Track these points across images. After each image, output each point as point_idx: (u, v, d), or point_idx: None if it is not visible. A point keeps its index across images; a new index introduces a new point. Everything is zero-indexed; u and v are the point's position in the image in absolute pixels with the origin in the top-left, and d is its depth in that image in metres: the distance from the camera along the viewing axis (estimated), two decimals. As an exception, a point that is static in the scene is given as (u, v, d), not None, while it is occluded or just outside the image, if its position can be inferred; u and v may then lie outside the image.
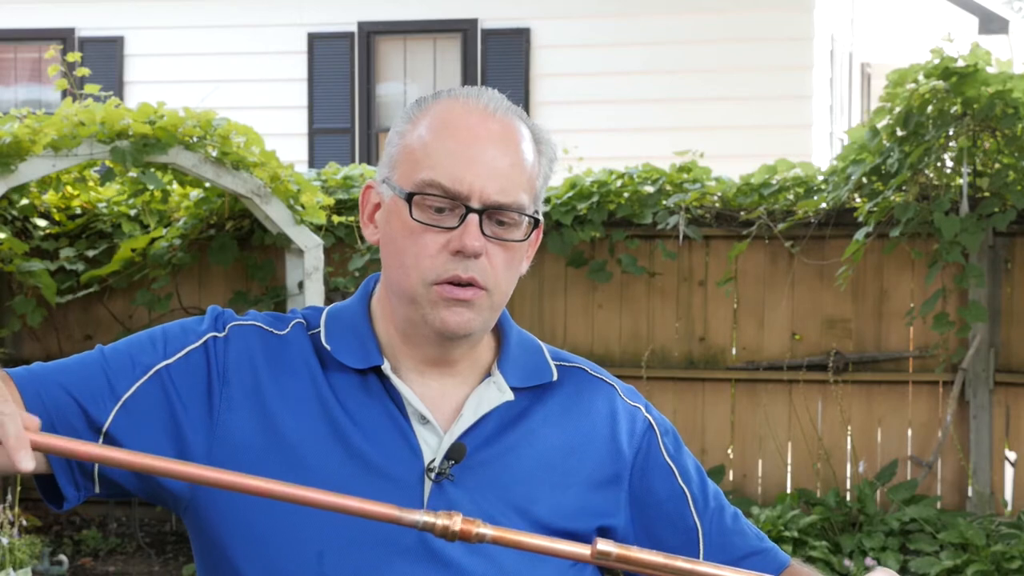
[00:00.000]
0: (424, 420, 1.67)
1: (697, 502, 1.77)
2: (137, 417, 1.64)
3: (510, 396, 1.70)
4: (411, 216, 1.63)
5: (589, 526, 1.71)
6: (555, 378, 1.74)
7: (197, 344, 1.68)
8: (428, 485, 1.64)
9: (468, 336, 1.66)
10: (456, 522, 1.38)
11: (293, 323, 1.73)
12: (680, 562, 1.42)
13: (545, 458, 1.69)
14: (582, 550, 1.41)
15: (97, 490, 1.66)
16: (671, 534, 1.74)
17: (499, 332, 1.76)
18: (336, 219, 6.66)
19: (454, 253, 1.61)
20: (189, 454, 1.64)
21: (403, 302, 1.66)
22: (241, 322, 1.72)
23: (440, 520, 1.38)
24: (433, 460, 1.66)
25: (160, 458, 1.40)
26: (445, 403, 1.69)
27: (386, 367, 1.68)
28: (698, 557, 1.74)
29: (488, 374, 1.72)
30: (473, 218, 1.61)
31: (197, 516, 1.67)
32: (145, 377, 1.65)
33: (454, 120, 1.65)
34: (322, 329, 1.71)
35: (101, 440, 1.63)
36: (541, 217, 1.71)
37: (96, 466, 1.64)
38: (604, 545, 1.40)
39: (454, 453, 1.65)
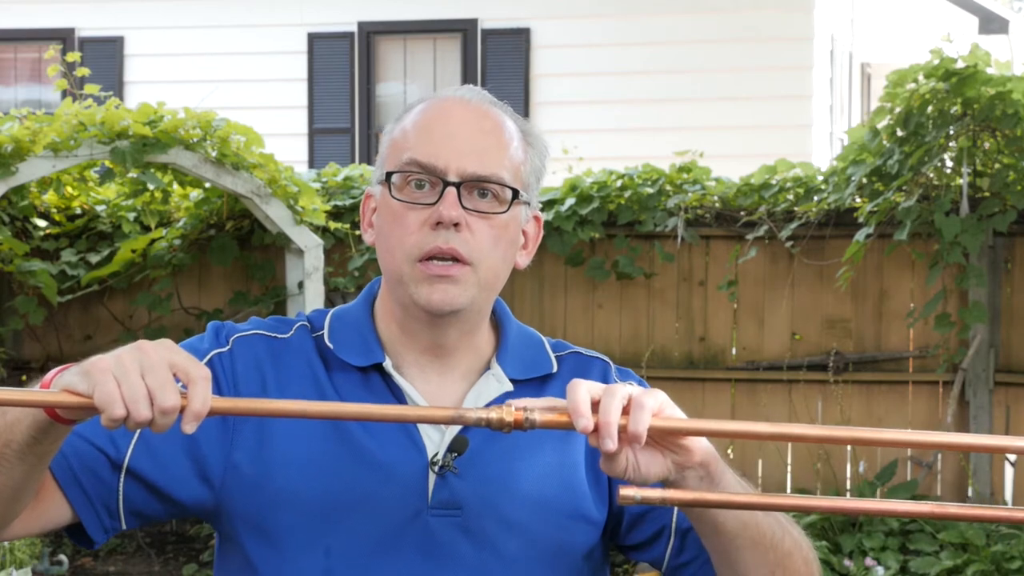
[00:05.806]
0: None
1: None
2: (155, 445, 1.66)
3: (509, 387, 1.73)
4: (391, 195, 1.68)
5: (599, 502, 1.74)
6: (555, 369, 1.78)
7: (202, 363, 1.70)
8: (432, 478, 1.67)
9: (455, 313, 1.69)
10: (508, 412, 1.46)
11: (297, 326, 1.77)
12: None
13: (548, 444, 1.71)
14: None
15: (124, 526, 1.68)
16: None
17: (498, 326, 1.79)
18: (332, 225, 6.64)
19: (434, 226, 1.65)
20: (208, 468, 1.67)
21: (393, 285, 1.71)
22: (243, 332, 1.75)
23: (493, 414, 1.46)
24: (436, 454, 1.68)
25: (311, 402, 1.48)
26: (446, 397, 1.72)
27: (387, 364, 1.71)
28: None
29: (488, 368, 1.75)
30: (451, 190, 1.66)
31: (222, 520, 1.71)
32: None
33: (434, 110, 1.72)
34: (326, 331, 1.75)
35: (123, 475, 1.65)
36: (536, 204, 1.75)
37: (121, 504, 1.66)
38: (626, 491, 1.48)
39: (457, 446, 1.68)
